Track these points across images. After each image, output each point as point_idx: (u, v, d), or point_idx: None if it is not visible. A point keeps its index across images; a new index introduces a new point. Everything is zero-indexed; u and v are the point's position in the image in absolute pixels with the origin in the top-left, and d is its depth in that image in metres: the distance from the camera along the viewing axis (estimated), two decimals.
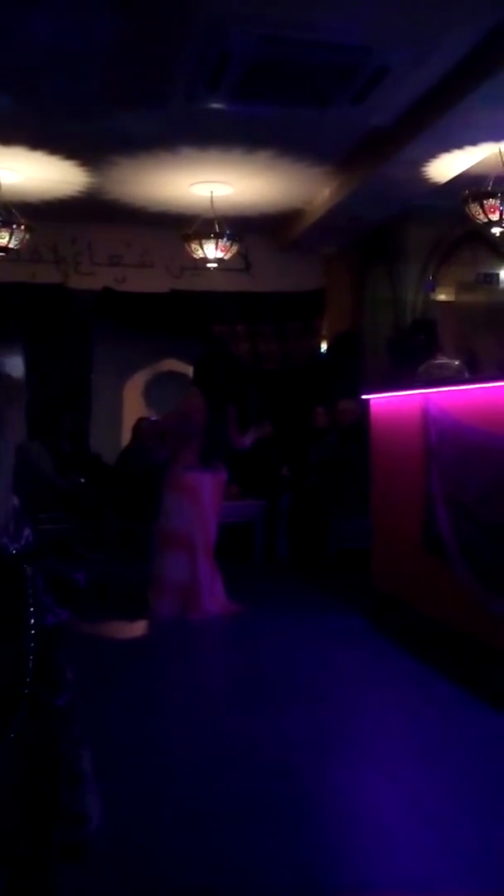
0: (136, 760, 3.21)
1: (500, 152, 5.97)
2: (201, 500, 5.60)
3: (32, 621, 1.74)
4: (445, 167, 6.24)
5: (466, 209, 6.19)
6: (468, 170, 6.22)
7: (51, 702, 1.82)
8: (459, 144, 5.81)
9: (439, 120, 5.40)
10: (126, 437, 8.53)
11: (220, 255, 7.37)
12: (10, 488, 1.85)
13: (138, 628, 2.15)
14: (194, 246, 7.36)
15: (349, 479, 6.57)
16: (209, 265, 7.50)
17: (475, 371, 5.62)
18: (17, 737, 1.72)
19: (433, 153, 5.97)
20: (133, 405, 9.16)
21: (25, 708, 1.72)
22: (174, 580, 5.52)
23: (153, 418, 8.01)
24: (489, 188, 6.07)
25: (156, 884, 2.42)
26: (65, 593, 1.87)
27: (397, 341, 7.15)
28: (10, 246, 6.99)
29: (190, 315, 8.67)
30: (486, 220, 6.16)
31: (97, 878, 2.28)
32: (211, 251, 7.34)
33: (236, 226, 7.46)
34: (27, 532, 1.85)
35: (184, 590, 5.52)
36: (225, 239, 7.30)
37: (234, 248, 7.46)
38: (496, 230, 6.26)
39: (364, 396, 5.56)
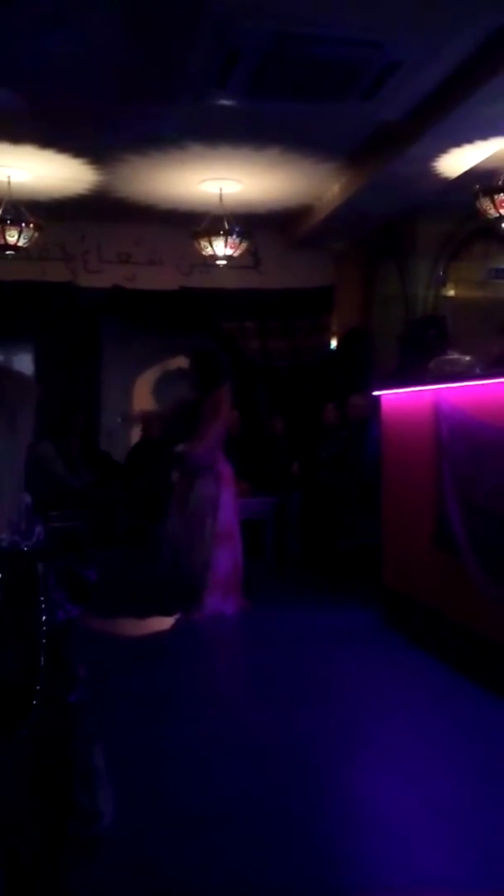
0: (148, 757, 3.22)
1: None
2: (237, 491, 5.76)
3: (44, 618, 1.75)
4: (456, 162, 6.21)
5: (477, 204, 6.15)
6: (479, 165, 6.19)
7: (63, 698, 1.83)
8: (470, 139, 5.78)
9: (450, 115, 5.37)
10: (135, 434, 8.55)
11: (229, 252, 7.36)
12: (23, 486, 1.86)
13: (166, 623, 2.16)
14: (203, 243, 7.36)
15: (360, 475, 6.56)
16: (218, 262, 7.49)
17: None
18: (29, 733, 1.73)
19: (443, 148, 5.94)
20: (143, 403, 9.17)
21: (38, 704, 1.73)
22: (222, 573, 5.55)
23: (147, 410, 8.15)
24: (500, 183, 6.04)
25: (168, 880, 2.43)
26: (76, 590, 1.88)
27: (407, 337, 7.11)
28: (20, 244, 6.99)
29: (199, 312, 8.67)
30: (496, 215, 6.13)
31: (108, 873, 2.29)
32: (220, 248, 7.33)
33: (245, 223, 7.44)
34: (38, 530, 1.86)
35: (228, 582, 5.56)
36: (234, 236, 7.29)
37: (244, 245, 7.44)
38: None
39: (375, 392, 5.54)
